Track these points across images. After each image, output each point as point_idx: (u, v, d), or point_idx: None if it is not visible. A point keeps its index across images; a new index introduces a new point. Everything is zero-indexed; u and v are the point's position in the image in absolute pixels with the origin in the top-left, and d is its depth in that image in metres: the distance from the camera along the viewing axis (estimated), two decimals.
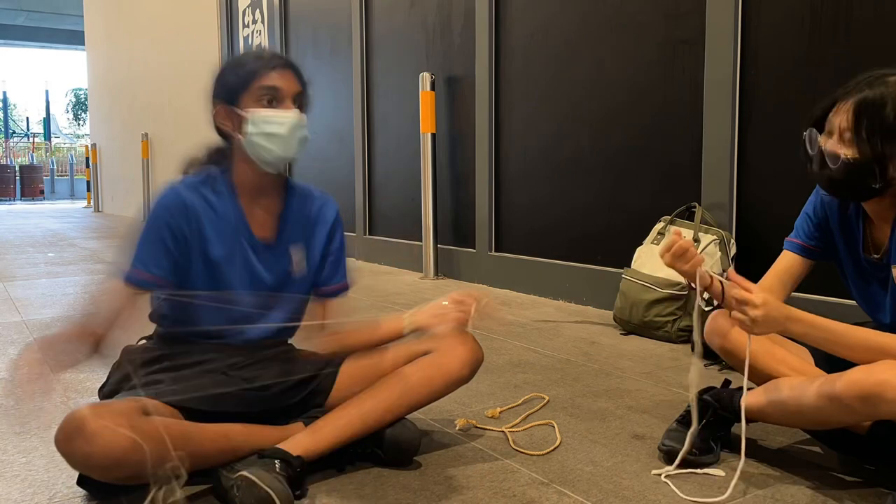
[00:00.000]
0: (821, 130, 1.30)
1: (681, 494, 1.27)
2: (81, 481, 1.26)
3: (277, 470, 1.18)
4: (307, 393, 1.44)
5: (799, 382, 1.29)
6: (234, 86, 1.34)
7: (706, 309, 2.49)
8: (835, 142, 1.26)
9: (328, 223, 1.49)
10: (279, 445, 1.25)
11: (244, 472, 1.14)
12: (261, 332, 1.43)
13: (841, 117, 1.25)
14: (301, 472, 1.23)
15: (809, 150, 1.31)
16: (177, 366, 1.36)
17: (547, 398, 1.82)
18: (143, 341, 1.45)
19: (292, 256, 1.44)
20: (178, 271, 1.33)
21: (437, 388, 1.42)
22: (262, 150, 1.33)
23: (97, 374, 2.08)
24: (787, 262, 1.49)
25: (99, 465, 1.10)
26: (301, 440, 1.29)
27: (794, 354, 1.44)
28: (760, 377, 1.41)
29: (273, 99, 1.33)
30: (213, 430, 1.25)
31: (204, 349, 1.39)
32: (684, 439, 1.38)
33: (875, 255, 1.35)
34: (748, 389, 1.38)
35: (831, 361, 1.35)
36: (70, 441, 1.09)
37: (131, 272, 1.29)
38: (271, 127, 1.32)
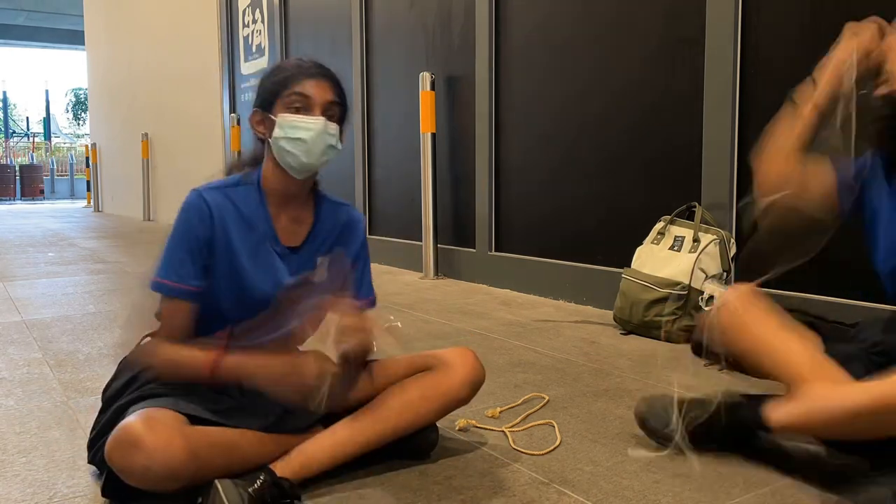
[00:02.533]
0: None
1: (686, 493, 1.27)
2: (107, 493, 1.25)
3: (256, 486, 1.17)
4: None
5: (824, 397, 1.22)
6: (270, 91, 1.36)
7: (706, 309, 2.49)
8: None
9: (355, 236, 1.50)
10: (271, 465, 1.25)
11: (217, 482, 1.14)
12: (271, 336, 1.43)
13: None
14: (287, 492, 1.22)
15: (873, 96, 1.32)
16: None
17: (547, 398, 1.82)
18: (149, 338, 1.45)
19: (317, 264, 1.43)
20: (206, 275, 1.34)
21: (435, 408, 1.40)
22: (287, 155, 1.34)
23: (97, 374, 2.09)
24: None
25: (157, 478, 1.11)
26: (292, 461, 1.28)
27: (802, 341, 1.36)
28: (759, 364, 1.37)
29: (303, 107, 1.34)
30: (251, 437, 1.26)
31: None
32: (663, 420, 1.42)
33: None
34: (771, 397, 1.34)
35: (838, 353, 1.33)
36: (128, 456, 1.10)
37: (169, 285, 1.31)
38: (297, 132, 1.33)
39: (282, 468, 1.25)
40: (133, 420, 1.13)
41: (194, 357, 1.29)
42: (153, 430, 1.11)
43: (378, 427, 1.35)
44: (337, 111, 1.38)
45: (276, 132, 1.34)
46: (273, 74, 1.38)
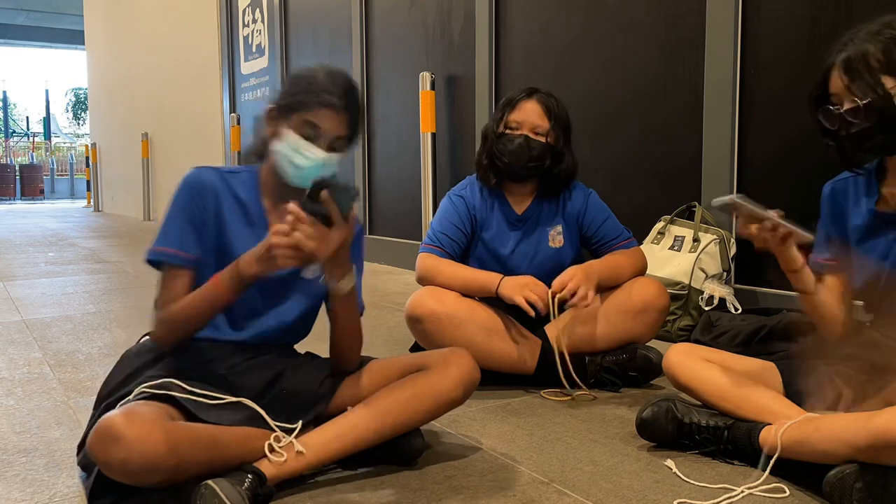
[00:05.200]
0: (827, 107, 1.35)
1: (691, 481, 1.26)
2: (94, 497, 1.24)
3: (245, 486, 1.18)
4: (308, 397, 1.41)
5: (825, 430, 1.24)
6: (293, 102, 1.37)
7: (706, 309, 2.49)
8: (848, 103, 1.30)
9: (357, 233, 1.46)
10: (256, 463, 1.25)
11: (210, 482, 1.14)
12: (258, 331, 1.43)
13: (836, 83, 1.31)
14: (270, 491, 1.24)
15: (828, 125, 1.34)
16: (178, 368, 1.36)
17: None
18: (147, 338, 1.45)
19: None
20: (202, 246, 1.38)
21: (427, 408, 1.38)
22: (280, 167, 1.39)
23: (97, 374, 2.09)
24: (831, 283, 1.48)
25: (135, 471, 1.11)
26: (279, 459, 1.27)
27: (766, 388, 1.42)
28: (720, 408, 1.43)
29: (312, 135, 1.36)
30: (236, 433, 1.26)
31: (202, 349, 1.39)
32: (663, 416, 1.44)
33: (889, 211, 1.39)
34: (765, 426, 1.34)
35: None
36: (107, 450, 1.10)
37: (169, 252, 1.35)
38: (295, 157, 1.36)
39: (268, 465, 1.24)
40: (113, 413, 1.13)
41: (202, 290, 1.31)
42: (132, 423, 1.11)
43: (366, 426, 1.33)
44: (344, 144, 1.40)
45: (279, 144, 1.37)
46: (302, 83, 1.37)
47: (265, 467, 1.24)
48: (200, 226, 1.38)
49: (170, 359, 1.37)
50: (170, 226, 1.37)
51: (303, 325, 1.51)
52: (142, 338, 1.47)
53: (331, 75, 1.38)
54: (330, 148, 1.37)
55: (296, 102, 1.36)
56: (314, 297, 1.48)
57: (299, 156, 1.35)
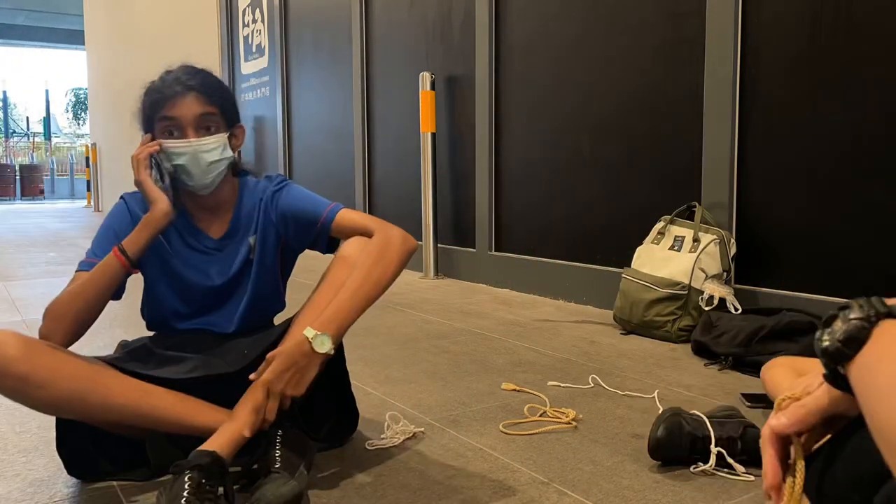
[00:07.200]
0: None
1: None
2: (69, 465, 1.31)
3: (186, 490, 1.07)
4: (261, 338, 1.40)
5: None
6: (147, 116, 1.40)
7: (706, 309, 2.49)
8: None
9: (275, 203, 1.46)
10: (204, 447, 1.16)
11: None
12: (233, 324, 1.47)
13: None
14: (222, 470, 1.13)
15: None
16: (152, 351, 1.41)
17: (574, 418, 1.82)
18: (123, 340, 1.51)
19: (251, 244, 1.47)
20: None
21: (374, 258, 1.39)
22: (180, 179, 1.39)
23: None
24: None
25: None
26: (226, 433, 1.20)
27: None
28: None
29: (174, 129, 1.36)
30: (131, 382, 1.24)
31: (183, 339, 1.44)
32: (677, 432, 1.37)
33: None
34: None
35: None
36: None
37: (88, 261, 1.38)
38: (177, 158, 1.37)
39: (218, 442, 1.18)
40: None
41: (95, 268, 1.34)
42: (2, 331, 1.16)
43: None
44: (215, 119, 1.38)
45: (163, 160, 1.38)
46: (146, 95, 1.40)
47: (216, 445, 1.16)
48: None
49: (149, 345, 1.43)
50: (94, 243, 1.41)
51: (269, 304, 1.52)
52: (121, 341, 1.50)
53: (167, 71, 1.42)
54: (200, 129, 1.36)
55: (150, 113, 1.38)
56: (268, 277, 1.49)
57: (176, 155, 1.36)
